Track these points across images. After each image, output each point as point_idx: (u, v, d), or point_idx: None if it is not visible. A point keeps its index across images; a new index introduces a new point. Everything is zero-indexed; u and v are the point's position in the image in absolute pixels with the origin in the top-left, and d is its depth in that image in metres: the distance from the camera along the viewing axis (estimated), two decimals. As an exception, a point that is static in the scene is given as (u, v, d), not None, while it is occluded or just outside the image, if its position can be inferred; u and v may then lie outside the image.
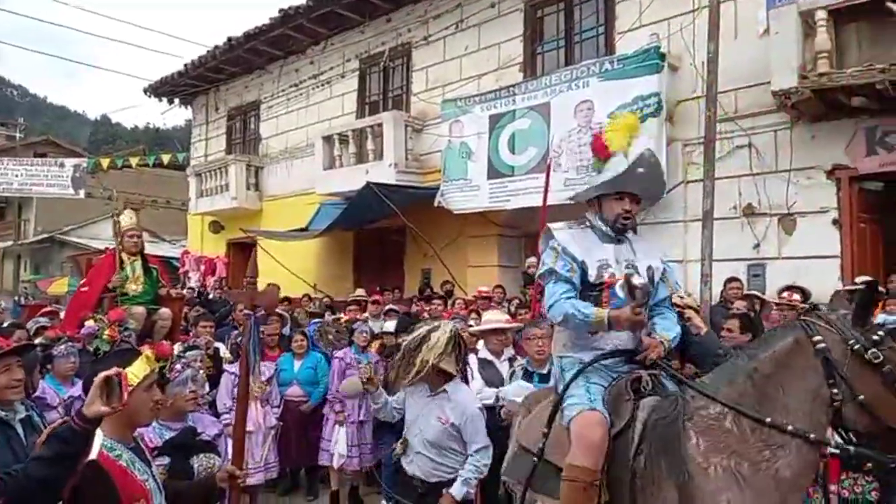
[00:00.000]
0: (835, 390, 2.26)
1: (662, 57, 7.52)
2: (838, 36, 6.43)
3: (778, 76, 6.45)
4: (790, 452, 2.27)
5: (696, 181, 6.93)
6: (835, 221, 6.66)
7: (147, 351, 2.55)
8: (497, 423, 3.92)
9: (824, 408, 2.29)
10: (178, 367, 3.11)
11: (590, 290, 2.79)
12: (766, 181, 7.09)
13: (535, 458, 2.80)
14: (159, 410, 2.71)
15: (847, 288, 6.12)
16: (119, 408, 1.84)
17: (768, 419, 2.29)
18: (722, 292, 6.46)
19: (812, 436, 2.27)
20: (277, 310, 7.91)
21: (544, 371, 4.13)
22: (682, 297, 6.69)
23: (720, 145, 6.97)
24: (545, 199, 4.98)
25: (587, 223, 2.93)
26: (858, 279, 6.13)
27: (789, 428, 2.27)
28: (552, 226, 2.95)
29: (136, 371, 2.20)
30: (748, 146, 7.21)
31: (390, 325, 6.34)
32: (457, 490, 3.34)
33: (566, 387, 2.75)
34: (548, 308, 2.79)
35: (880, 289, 5.79)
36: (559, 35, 9.20)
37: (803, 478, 2.37)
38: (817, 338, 2.30)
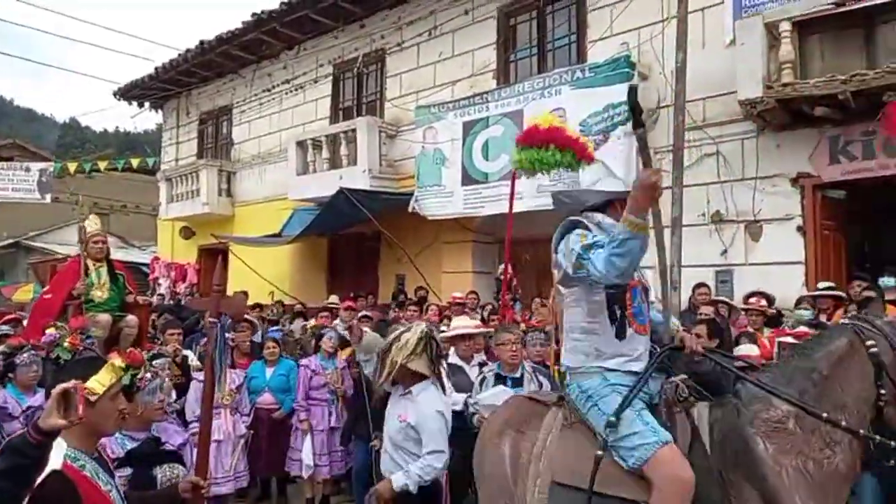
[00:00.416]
0: (882, 391, 2.47)
1: (633, 66, 7.64)
2: (802, 47, 6.60)
3: (744, 86, 6.59)
4: (844, 448, 2.45)
5: (665, 188, 7.00)
6: (799, 228, 6.81)
7: (114, 359, 2.50)
8: (469, 428, 3.93)
9: (869, 406, 2.49)
10: (147, 375, 3.05)
11: (613, 287, 2.64)
12: (734, 189, 7.23)
13: (587, 494, 2.57)
14: (125, 420, 2.66)
15: (810, 294, 6.27)
16: (76, 421, 1.79)
17: (827, 415, 2.45)
18: (690, 298, 6.57)
19: (861, 432, 2.45)
20: (248, 316, 7.83)
21: (517, 375, 4.15)
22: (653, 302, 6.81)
23: (689, 153, 7.09)
24: (511, 207, 5.01)
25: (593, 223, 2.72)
26: (820, 284, 6.29)
27: (843, 424, 2.44)
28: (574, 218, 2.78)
29: (102, 379, 2.15)
30: (716, 154, 7.35)
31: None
32: (397, 479, 3.23)
33: (615, 421, 2.51)
34: (604, 270, 2.41)
35: (843, 295, 5.94)
36: (532, 43, 9.29)
37: (852, 471, 2.53)
38: (870, 342, 2.50)
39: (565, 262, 2.62)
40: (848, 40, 6.41)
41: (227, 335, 6.01)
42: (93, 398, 2.10)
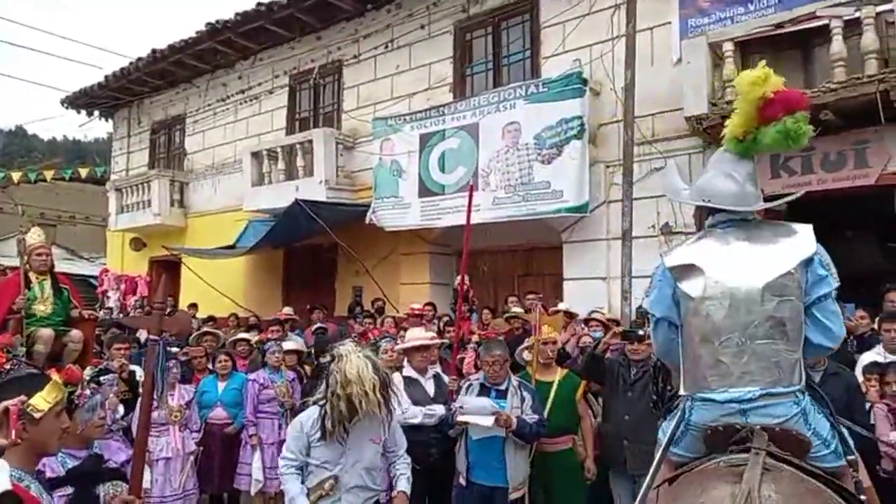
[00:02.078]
0: None
1: (585, 82, 7.82)
2: (744, 66, 6.86)
3: (690, 103, 6.82)
4: None
5: (617, 201, 7.21)
6: (744, 240, 7.04)
7: (55, 376, 2.44)
8: (448, 428, 4.21)
9: None
10: (86, 392, 2.97)
11: None
12: (681, 202, 7.43)
13: None
14: (67, 438, 2.59)
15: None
16: (14, 441, 1.75)
17: None
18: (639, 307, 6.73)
19: None
20: (208, 328, 7.70)
21: (502, 387, 4.20)
22: (602, 313, 6.95)
23: (639, 167, 7.29)
24: (468, 220, 5.06)
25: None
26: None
27: None
28: None
29: (47, 396, 2.10)
30: (664, 168, 7.56)
31: (291, 344, 6.56)
32: (405, 485, 3.42)
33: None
34: None
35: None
36: (487, 58, 9.42)
37: None
38: None
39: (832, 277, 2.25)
40: (787, 61, 6.70)
41: (174, 350, 5.95)
42: (37, 415, 2.05)
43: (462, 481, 4.19)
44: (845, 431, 2.27)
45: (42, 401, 2.02)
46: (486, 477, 4.09)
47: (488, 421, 3.92)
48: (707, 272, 2.24)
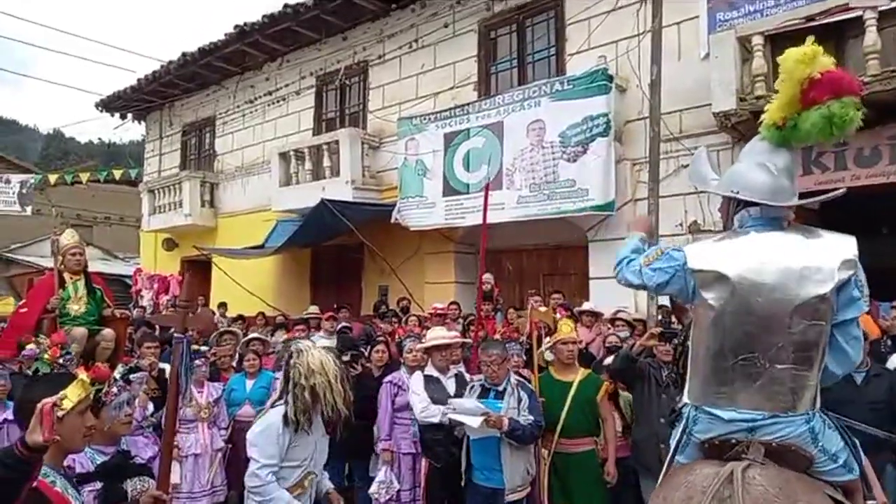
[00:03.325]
0: None
1: (610, 78, 7.73)
2: (774, 60, 6.71)
3: (718, 98, 6.70)
4: None
5: (643, 199, 7.11)
6: (774, 237, 6.90)
7: (82, 374, 2.50)
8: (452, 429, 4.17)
9: None
10: (114, 390, 3.04)
11: None
12: (710, 199, 7.30)
13: None
14: (93, 436, 2.65)
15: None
16: (51, 439, 1.81)
17: None
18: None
19: None
20: (232, 328, 7.82)
21: (500, 388, 4.20)
22: (628, 313, 6.86)
23: (666, 164, 7.19)
24: (485, 218, 5.05)
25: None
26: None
27: None
28: None
29: (71, 395, 2.16)
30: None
31: (324, 342, 6.45)
32: (330, 484, 3.38)
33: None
34: None
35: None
36: (512, 55, 9.38)
37: None
38: None
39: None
40: (819, 53, 6.54)
41: (203, 349, 6.06)
42: (60, 413, 2.11)
43: (466, 482, 4.20)
44: (857, 444, 2.14)
45: (66, 399, 2.07)
46: (486, 478, 4.09)
47: (476, 422, 3.89)
48: (733, 283, 2.04)
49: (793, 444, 2.00)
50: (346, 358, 5.05)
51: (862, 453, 2.15)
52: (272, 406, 3.16)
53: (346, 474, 5.71)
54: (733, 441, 2.03)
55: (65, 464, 2.46)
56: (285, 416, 3.02)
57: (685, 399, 2.19)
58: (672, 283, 2.23)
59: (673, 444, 2.23)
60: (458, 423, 4.12)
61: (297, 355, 3.08)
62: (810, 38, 2.14)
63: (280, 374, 3.23)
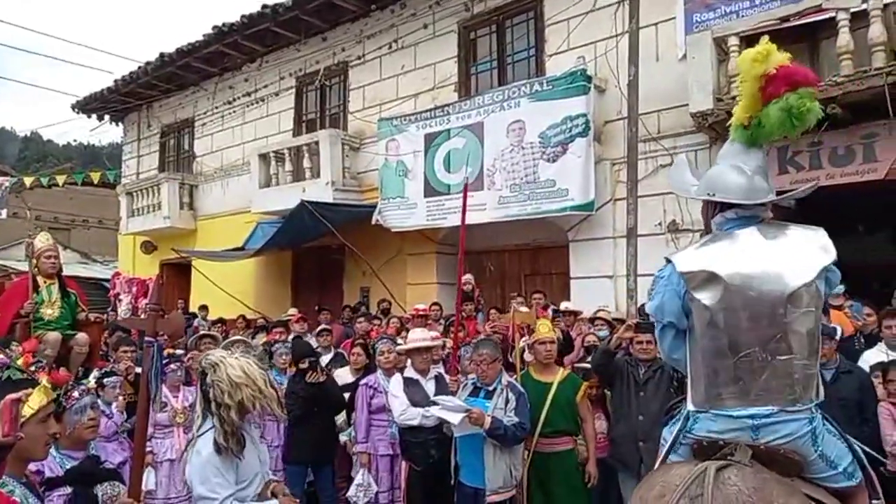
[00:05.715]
0: None
1: (589, 79, 7.77)
2: (750, 61, 6.79)
3: (695, 98, 6.75)
4: None
5: (623, 199, 7.15)
6: (752, 236, 6.96)
7: (44, 380, 2.45)
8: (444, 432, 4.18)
9: None
10: (75, 394, 2.98)
11: None
12: (689, 198, 7.37)
13: None
14: (56, 442, 2.60)
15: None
16: (9, 434, 1.76)
17: None
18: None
19: None
20: (211, 332, 7.73)
21: (490, 388, 4.21)
22: (608, 312, 6.89)
23: (645, 164, 7.24)
24: (463, 218, 5.04)
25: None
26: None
27: None
28: None
29: (32, 402, 2.11)
30: (671, 165, 7.50)
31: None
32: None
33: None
34: None
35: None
36: (492, 56, 9.39)
37: None
38: None
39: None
40: (793, 55, 6.52)
41: (179, 353, 5.97)
42: (20, 420, 2.06)
43: (454, 481, 4.21)
44: (859, 450, 2.15)
45: (26, 406, 2.02)
46: (471, 478, 4.10)
47: (456, 418, 3.89)
48: (724, 280, 2.05)
49: (782, 448, 2.00)
50: (303, 365, 5.01)
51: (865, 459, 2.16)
52: (198, 434, 2.66)
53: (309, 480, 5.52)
54: (721, 443, 2.04)
55: (32, 468, 2.42)
56: (216, 443, 2.55)
57: (689, 406, 2.16)
58: (668, 300, 2.21)
59: (667, 443, 2.23)
60: (443, 421, 4.11)
61: (214, 370, 2.61)
62: (764, 38, 2.20)
63: (197, 392, 2.79)
